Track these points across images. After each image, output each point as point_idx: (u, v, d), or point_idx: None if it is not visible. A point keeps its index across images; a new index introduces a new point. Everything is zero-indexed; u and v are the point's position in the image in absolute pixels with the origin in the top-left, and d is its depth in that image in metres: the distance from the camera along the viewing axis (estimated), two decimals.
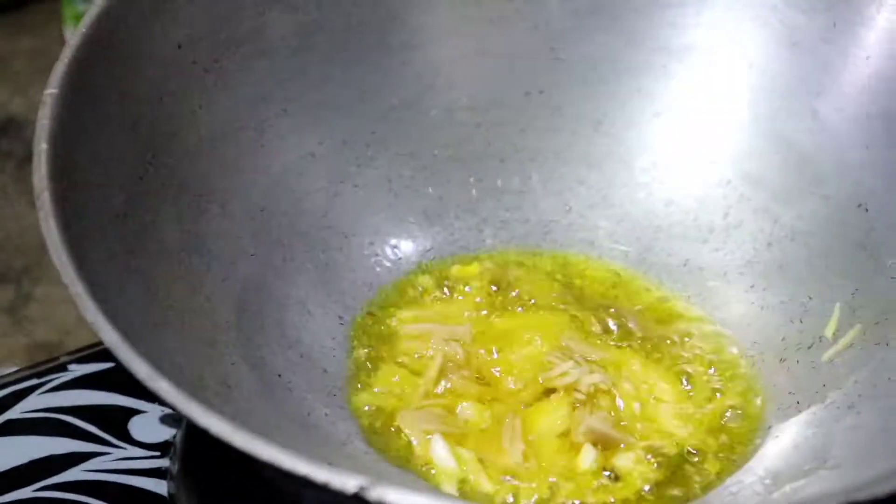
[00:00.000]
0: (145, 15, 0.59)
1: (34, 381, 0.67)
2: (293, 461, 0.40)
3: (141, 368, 0.43)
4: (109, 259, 0.52)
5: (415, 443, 0.57)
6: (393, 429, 0.58)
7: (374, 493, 0.39)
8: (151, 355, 0.44)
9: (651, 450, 0.57)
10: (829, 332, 0.60)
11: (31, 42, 1.40)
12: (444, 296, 0.65)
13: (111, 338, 0.44)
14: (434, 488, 0.55)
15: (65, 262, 0.46)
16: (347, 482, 0.39)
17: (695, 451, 0.58)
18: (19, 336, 1.02)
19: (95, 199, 0.53)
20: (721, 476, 0.57)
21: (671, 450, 0.58)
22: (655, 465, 0.57)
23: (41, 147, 0.50)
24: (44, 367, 0.68)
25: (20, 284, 1.05)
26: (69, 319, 1.03)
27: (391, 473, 0.55)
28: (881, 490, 0.39)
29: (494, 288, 0.65)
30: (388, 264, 0.66)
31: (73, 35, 0.55)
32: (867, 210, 0.62)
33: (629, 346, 0.62)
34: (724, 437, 0.58)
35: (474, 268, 0.66)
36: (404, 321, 0.63)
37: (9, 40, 1.38)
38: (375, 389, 0.60)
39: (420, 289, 0.65)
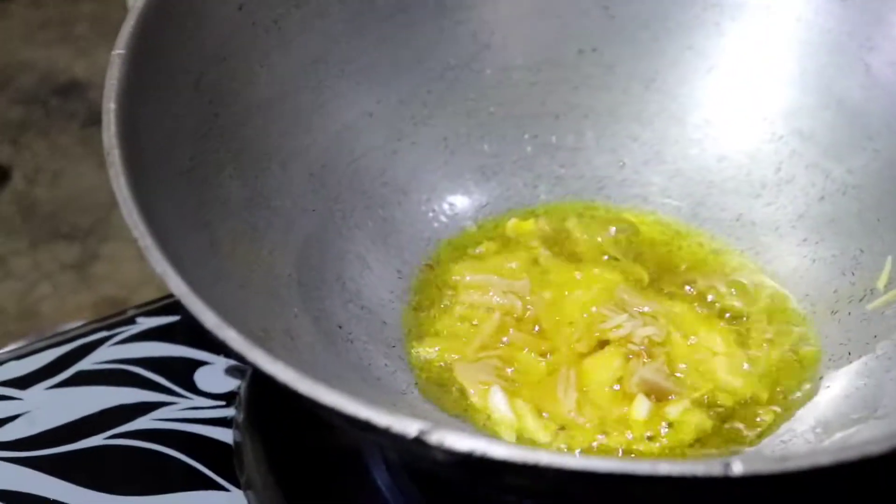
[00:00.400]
0: None
1: (104, 334, 0.69)
2: (355, 406, 0.41)
3: (209, 318, 0.45)
4: (176, 214, 0.53)
5: (472, 393, 0.58)
6: (450, 380, 0.59)
7: (434, 437, 0.40)
8: (217, 306, 0.46)
9: (704, 401, 0.58)
10: (880, 284, 0.61)
11: (92, 7, 1.42)
12: (502, 249, 0.66)
13: (180, 288, 0.46)
14: (492, 436, 0.56)
15: (134, 216, 0.48)
16: (409, 426, 0.41)
17: (748, 401, 0.59)
18: (86, 292, 1.05)
19: (161, 157, 0.55)
20: (774, 425, 0.57)
21: (725, 400, 0.58)
22: (709, 414, 0.58)
23: (109, 106, 0.52)
24: (112, 320, 0.70)
25: (86, 243, 1.08)
26: (134, 276, 1.06)
27: (449, 422, 0.56)
28: None
29: (548, 244, 0.66)
30: (444, 220, 0.67)
31: None
32: None
33: (683, 298, 0.63)
34: (777, 388, 0.59)
35: (530, 223, 0.68)
36: (462, 274, 0.65)
37: (71, 5, 1.41)
38: (433, 342, 0.61)
39: (478, 245, 0.66)
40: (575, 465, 0.39)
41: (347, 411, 0.42)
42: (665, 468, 0.38)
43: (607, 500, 0.46)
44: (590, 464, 0.39)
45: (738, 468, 0.38)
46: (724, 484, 0.38)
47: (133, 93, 0.53)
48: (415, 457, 0.48)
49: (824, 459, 0.39)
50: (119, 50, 0.54)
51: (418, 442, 0.41)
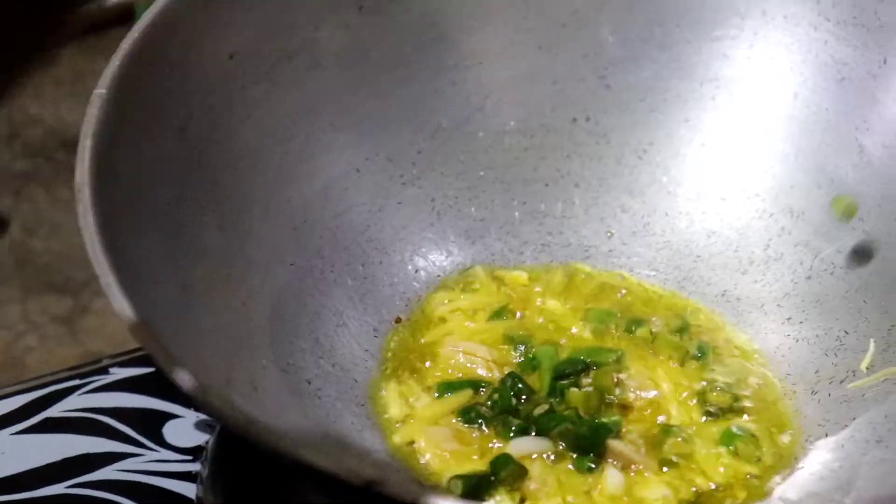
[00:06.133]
0: (199, 24, 0.60)
1: (76, 382, 0.68)
2: (309, 452, 0.40)
3: (162, 357, 0.44)
4: (149, 256, 0.53)
5: (428, 458, 0.57)
6: (414, 444, 0.58)
7: (382, 486, 0.39)
8: (179, 349, 0.45)
9: (680, 476, 0.57)
10: (863, 366, 0.60)
11: (105, 64, 1.42)
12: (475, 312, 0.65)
13: (137, 328, 0.45)
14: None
15: (98, 252, 0.47)
16: (360, 476, 0.40)
17: (724, 485, 0.57)
18: (73, 346, 1.04)
19: (138, 198, 0.54)
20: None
21: (698, 477, 0.57)
22: (685, 491, 0.56)
23: (86, 143, 0.52)
24: (86, 368, 0.69)
25: (79, 296, 1.07)
26: (122, 332, 1.05)
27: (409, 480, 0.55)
28: None
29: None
30: (425, 279, 0.66)
31: (126, 39, 0.56)
32: None
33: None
34: (752, 466, 0.57)
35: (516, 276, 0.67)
36: (434, 338, 0.64)
37: (87, 60, 1.42)
38: (402, 403, 0.60)
39: (453, 304, 0.65)
40: None
41: (302, 459, 0.41)
42: None
43: None
44: None
45: None
46: None
47: (113, 132, 0.53)
48: None
49: None
50: (101, 89, 0.54)
51: (367, 491, 0.40)
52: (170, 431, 0.65)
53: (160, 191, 0.56)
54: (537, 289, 0.67)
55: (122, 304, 0.45)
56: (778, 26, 0.67)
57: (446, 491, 0.55)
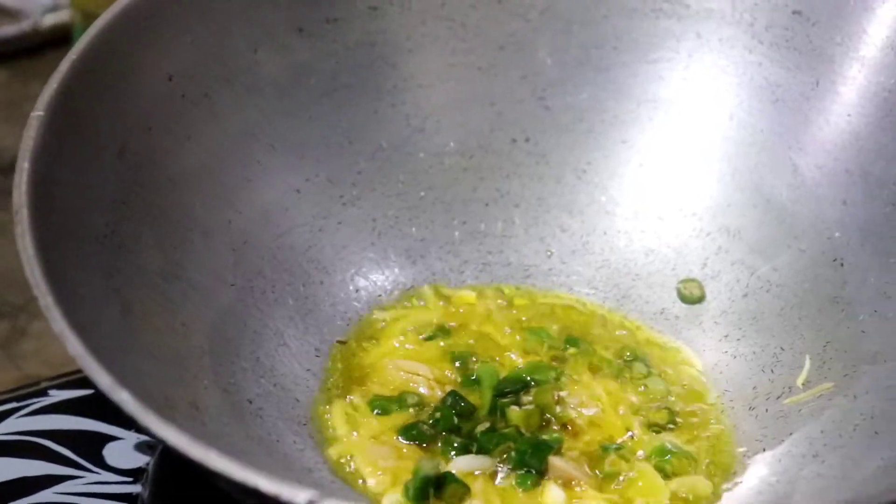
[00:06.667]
0: (137, 46, 0.60)
1: (13, 405, 0.67)
2: (244, 472, 0.40)
3: (103, 379, 0.44)
4: (88, 278, 0.52)
5: (367, 475, 0.57)
6: (353, 461, 0.58)
7: None
8: (119, 372, 0.45)
9: (620, 492, 0.57)
10: (799, 381, 0.61)
11: (41, 88, 1.41)
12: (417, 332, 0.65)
13: (76, 349, 0.45)
14: None
15: (37, 275, 0.47)
16: (298, 495, 0.40)
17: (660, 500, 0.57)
18: (11, 370, 1.03)
19: (76, 220, 0.54)
20: None
21: (637, 494, 0.57)
22: None
23: (23, 166, 0.52)
24: (24, 391, 0.68)
25: (16, 319, 1.06)
26: (61, 355, 1.04)
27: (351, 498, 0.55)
28: None
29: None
30: (366, 299, 0.66)
31: (64, 61, 0.56)
32: (842, 265, 0.63)
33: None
34: (688, 482, 0.58)
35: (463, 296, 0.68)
36: (375, 356, 0.64)
37: (22, 85, 1.40)
38: (344, 422, 0.60)
39: (395, 324, 0.66)
40: None
41: (236, 477, 0.41)
42: None
43: None
44: None
45: None
46: None
47: (51, 155, 0.53)
48: None
49: None
50: (38, 112, 0.54)
51: None
52: (110, 453, 0.65)
53: (99, 212, 0.56)
54: (480, 308, 0.67)
55: (61, 326, 0.45)
56: (713, 49, 0.68)
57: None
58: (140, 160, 0.59)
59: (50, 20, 1.00)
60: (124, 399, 0.43)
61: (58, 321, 0.45)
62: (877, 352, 0.59)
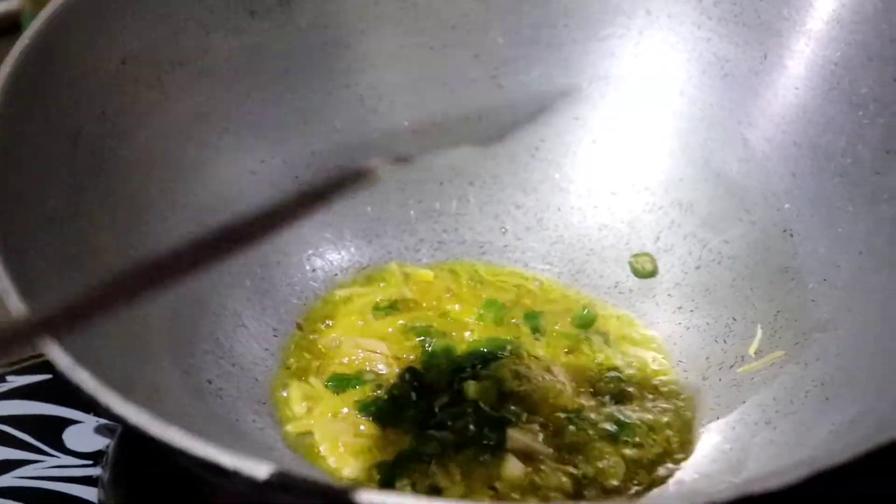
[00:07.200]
0: (89, 29, 0.60)
1: None
2: (205, 448, 0.41)
3: (63, 360, 0.44)
4: (44, 261, 0.53)
5: (325, 451, 0.58)
6: (313, 438, 0.59)
7: (283, 480, 0.40)
8: (78, 353, 0.45)
9: (571, 468, 0.58)
10: (751, 350, 0.61)
11: None
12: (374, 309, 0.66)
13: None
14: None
15: None
16: (258, 468, 0.40)
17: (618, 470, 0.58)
18: None
19: (32, 204, 0.54)
20: (641, 490, 0.57)
21: (595, 464, 0.58)
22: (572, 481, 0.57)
23: None
24: None
25: None
26: None
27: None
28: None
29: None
30: (323, 279, 0.67)
31: (15, 47, 0.56)
32: (792, 235, 0.63)
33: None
34: (644, 452, 0.59)
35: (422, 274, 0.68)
36: (333, 334, 0.64)
37: None
38: (302, 400, 0.60)
39: (352, 302, 0.66)
40: None
41: (197, 453, 0.41)
42: None
43: None
44: None
45: None
46: None
47: (5, 140, 0.53)
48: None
49: None
50: None
51: (272, 487, 0.40)
52: (70, 437, 0.65)
53: (56, 197, 0.56)
54: (438, 285, 0.67)
55: (19, 309, 0.45)
56: (663, 25, 0.69)
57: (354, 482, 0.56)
58: (95, 145, 0.59)
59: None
60: (84, 379, 0.44)
61: (17, 305, 0.46)
62: (827, 320, 0.60)
